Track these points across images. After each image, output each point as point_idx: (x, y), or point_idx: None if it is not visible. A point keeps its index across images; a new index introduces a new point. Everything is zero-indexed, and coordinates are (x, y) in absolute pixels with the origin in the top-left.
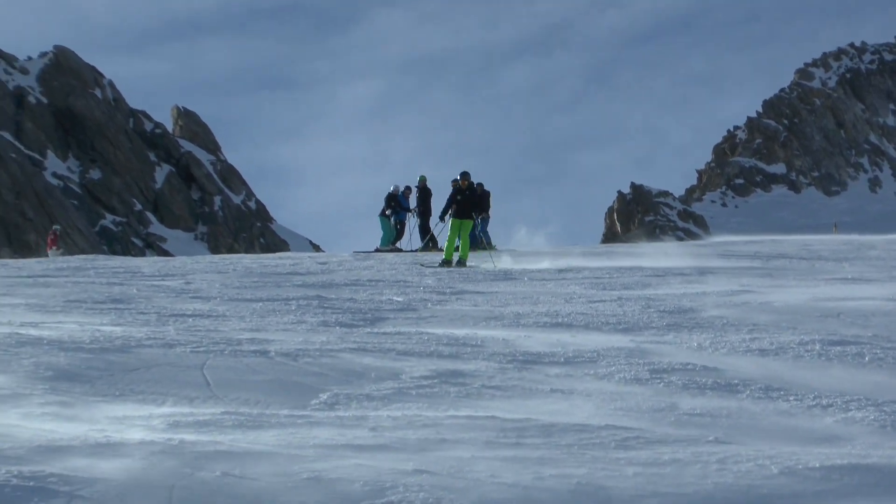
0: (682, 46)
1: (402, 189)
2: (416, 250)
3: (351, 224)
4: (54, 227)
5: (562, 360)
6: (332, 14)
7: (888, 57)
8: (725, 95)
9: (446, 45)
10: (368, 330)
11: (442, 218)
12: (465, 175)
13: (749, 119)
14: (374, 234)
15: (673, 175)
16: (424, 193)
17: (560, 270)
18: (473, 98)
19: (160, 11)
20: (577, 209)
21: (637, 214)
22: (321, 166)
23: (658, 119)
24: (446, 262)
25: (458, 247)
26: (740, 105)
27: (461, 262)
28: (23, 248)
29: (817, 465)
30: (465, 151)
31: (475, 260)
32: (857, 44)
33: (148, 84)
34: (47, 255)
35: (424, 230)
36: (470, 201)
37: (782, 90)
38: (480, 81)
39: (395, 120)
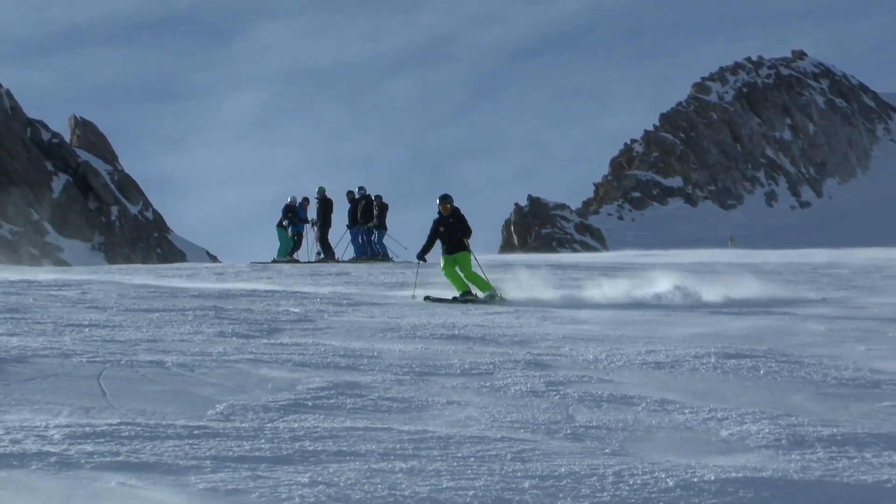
0: (566, 61)
1: (299, 200)
2: (312, 261)
3: (245, 234)
4: None
5: (458, 371)
6: (215, 27)
7: (785, 71)
8: (618, 109)
9: (330, 58)
10: (265, 341)
11: (421, 256)
12: (445, 199)
13: (646, 132)
14: (271, 244)
15: (564, 188)
16: (324, 204)
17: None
18: (357, 110)
19: (43, 21)
20: (473, 219)
21: (534, 227)
22: (208, 177)
23: (544, 132)
24: (465, 293)
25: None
26: (636, 118)
27: (492, 297)
28: None
29: (713, 478)
30: (350, 163)
31: (375, 269)
32: (755, 58)
33: (35, 93)
34: None
35: (323, 241)
36: (454, 229)
37: (679, 104)
38: (364, 94)
39: (279, 131)
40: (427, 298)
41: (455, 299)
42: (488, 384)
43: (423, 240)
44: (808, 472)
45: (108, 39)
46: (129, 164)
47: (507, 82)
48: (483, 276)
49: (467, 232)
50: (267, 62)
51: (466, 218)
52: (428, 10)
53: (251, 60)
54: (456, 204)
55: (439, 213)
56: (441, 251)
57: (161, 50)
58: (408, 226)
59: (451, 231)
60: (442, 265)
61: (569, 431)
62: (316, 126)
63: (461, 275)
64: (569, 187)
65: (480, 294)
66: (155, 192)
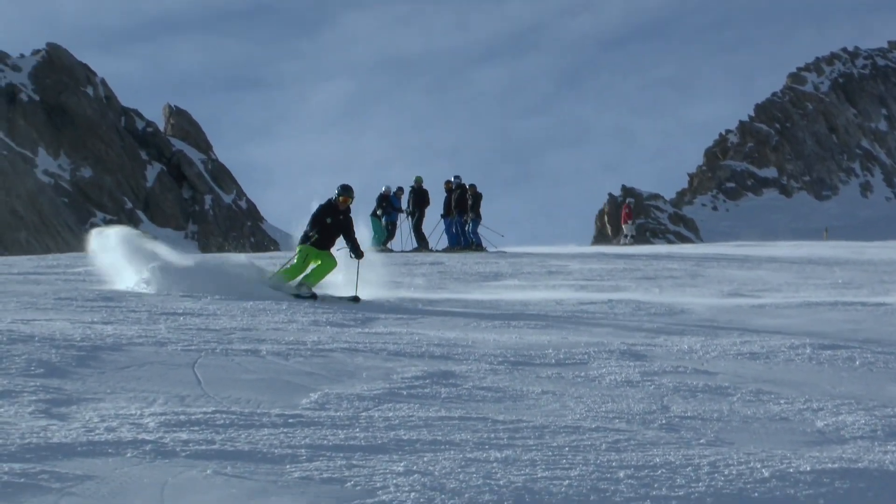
0: (655, 51)
1: (393, 190)
2: (407, 251)
3: None
4: (628, 200)
5: (553, 361)
6: (302, 16)
7: (881, 62)
8: (710, 99)
9: (417, 48)
10: (359, 330)
11: (303, 241)
12: (348, 192)
13: (741, 123)
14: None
15: (656, 178)
16: (420, 194)
17: (550, 272)
18: (445, 100)
19: (133, 10)
20: (557, 211)
21: (631, 218)
22: (297, 166)
23: (633, 122)
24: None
25: None
26: (730, 109)
27: (299, 293)
28: (13, 245)
29: (808, 469)
30: (438, 152)
31: (471, 258)
32: (851, 49)
33: (128, 82)
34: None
35: (418, 231)
36: (342, 228)
37: (774, 94)
38: (452, 83)
39: (366, 120)
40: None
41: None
42: (583, 374)
43: (502, 227)
44: None
45: (196, 29)
46: (221, 153)
47: (595, 72)
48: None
49: (352, 239)
50: (354, 51)
51: (481, 200)
52: (516, 0)
53: (338, 50)
54: (543, 193)
55: (334, 202)
56: (303, 240)
57: (249, 39)
58: (496, 215)
59: (335, 227)
60: (298, 251)
61: (664, 422)
62: (403, 115)
63: (309, 270)
64: (661, 178)
65: (303, 288)
66: (245, 181)
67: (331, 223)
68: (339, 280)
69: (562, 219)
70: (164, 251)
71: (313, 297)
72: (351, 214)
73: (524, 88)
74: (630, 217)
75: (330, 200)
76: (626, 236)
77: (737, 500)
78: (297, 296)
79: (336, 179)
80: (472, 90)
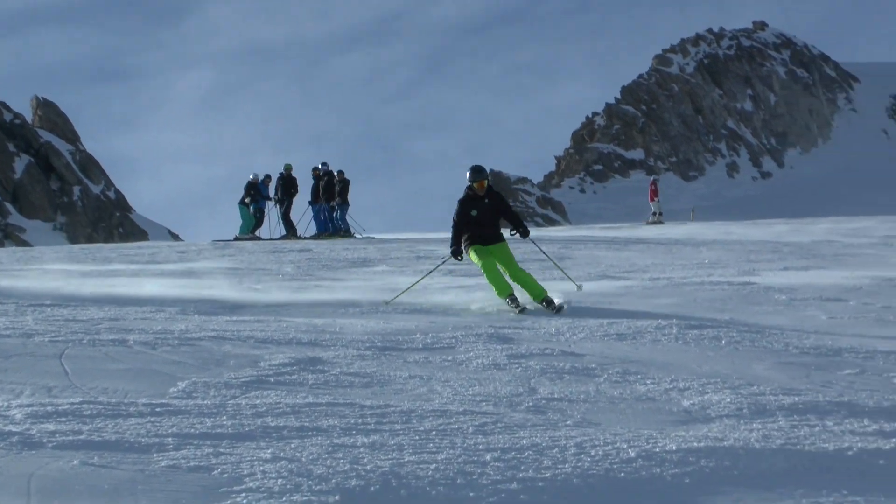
0: (517, 36)
1: (261, 178)
2: (276, 238)
3: (203, 211)
4: (653, 177)
5: (420, 346)
6: (164, 6)
7: (746, 42)
8: (576, 82)
9: (280, 36)
10: (227, 318)
11: (456, 254)
12: (481, 174)
13: (607, 105)
14: (231, 221)
15: (523, 162)
16: (288, 182)
17: (418, 257)
18: (309, 87)
19: None
20: (424, 197)
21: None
22: (164, 155)
23: (497, 107)
24: (511, 299)
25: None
26: (597, 92)
27: (549, 303)
28: None
29: (674, 448)
30: (303, 139)
31: (340, 244)
32: (716, 30)
33: None
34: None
35: (286, 218)
36: (491, 212)
37: (640, 76)
38: (315, 71)
39: (230, 109)
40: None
41: (512, 305)
42: (450, 358)
43: (369, 213)
44: (769, 440)
45: (60, 20)
46: (89, 144)
47: (457, 58)
48: (532, 278)
49: (514, 216)
50: (216, 41)
51: (349, 187)
52: None
53: (200, 39)
54: (410, 179)
55: (471, 190)
56: (465, 242)
57: (112, 30)
58: (362, 200)
59: (486, 215)
60: (478, 261)
61: (531, 404)
62: (268, 103)
63: (504, 273)
64: (529, 161)
65: (531, 303)
66: (113, 172)
67: (478, 214)
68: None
69: (430, 204)
70: None
71: (561, 308)
72: (498, 192)
73: (388, 75)
74: (656, 195)
75: (466, 192)
76: (654, 214)
77: (603, 480)
78: (555, 308)
79: (202, 168)
80: (336, 77)
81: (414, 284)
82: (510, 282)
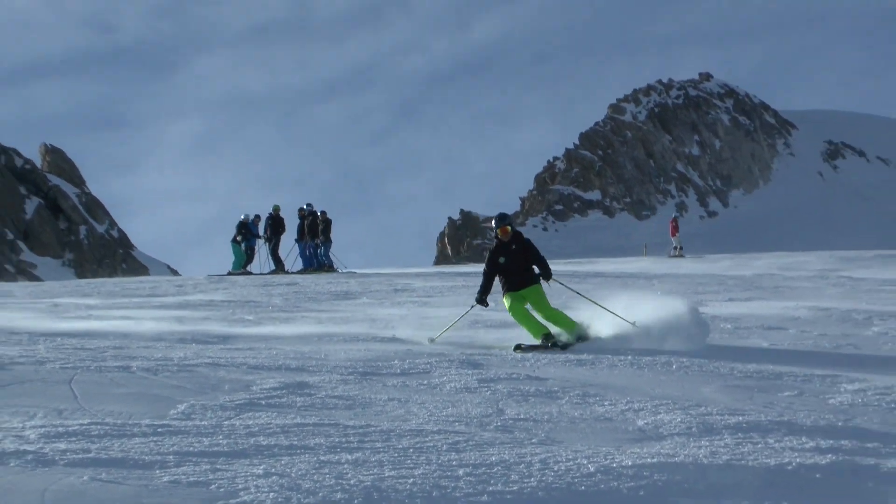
0: (482, 85)
1: (252, 217)
2: (265, 273)
3: (197, 248)
4: (675, 214)
5: (398, 371)
6: (156, 60)
7: (693, 92)
8: (539, 129)
9: (262, 87)
10: (221, 346)
11: (482, 300)
12: (504, 220)
13: (567, 150)
14: (224, 257)
15: (492, 203)
16: (276, 221)
17: (395, 290)
18: (290, 133)
19: (2, 57)
20: (399, 235)
21: (466, 238)
22: (158, 197)
23: (466, 151)
24: (546, 337)
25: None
26: (559, 138)
27: (582, 337)
28: None
29: (630, 464)
30: (285, 182)
31: (322, 279)
32: (665, 80)
33: (5, 123)
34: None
35: (275, 255)
36: (518, 257)
37: (597, 123)
38: (296, 119)
39: (219, 154)
40: (518, 348)
41: (546, 342)
42: (426, 382)
43: (350, 250)
44: (716, 456)
45: (62, 73)
46: (94, 187)
47: (427, 105)
48: (565, 316)
49: (539, 259)
50: (205, 91)
51: (331, 226)
52: (353, 41)
53: (191, 90)
54: (386, 217)
55: (496, 238)
56: (502, 289)
57: (110, 82)
58: (343, 238)
59: (514, 261)
60: (508, 306)
61: (499, 424)
62: (254, 148)
63: (537, 315)
64: (496, 202)
65: (565, 336)
66: (116, 212)
67: (506, 261)
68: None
69: (404, 241)
70: None
71: (586, 338)
72: (526, 238)
73: (363, 121)
74: (677, 230)
75: (494, 241)
76: (675, 248)
77: (566, 493)
78: (580, 339)
79: (195, 208)
80: (316, 124)
81: (449, 328)
82: (544, 321)
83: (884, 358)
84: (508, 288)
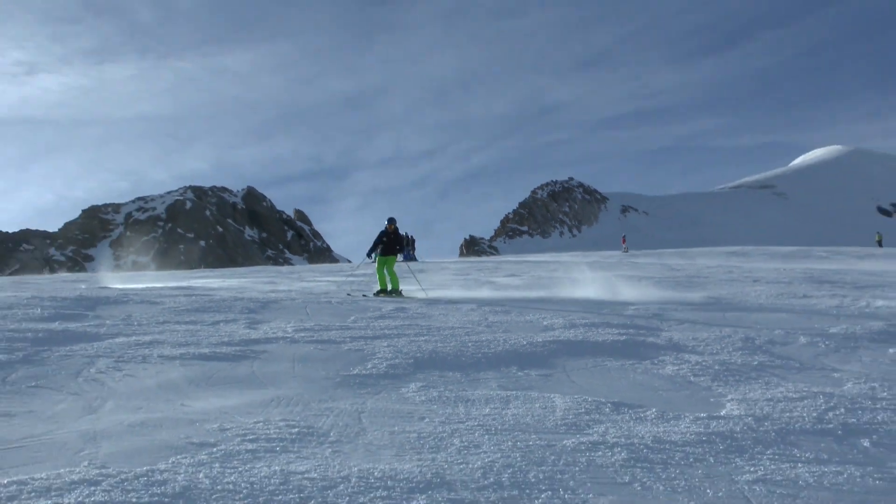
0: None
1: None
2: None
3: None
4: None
5: (422, 301)
6: (360, 128)
7: (559, 189)
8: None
9: (424, 147)
10: (365, 294)
11: (369, 255)
12: (392, 222)
13: (521, 202)
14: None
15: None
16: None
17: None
18: None
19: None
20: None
21: (473, 248)
22: (349, 225)
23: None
24: (381, 291)
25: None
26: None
27: (396, 292)
28: None
29: (541, 340)
30: None
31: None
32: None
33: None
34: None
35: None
36: (392, 242)
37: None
38: None
39: (392, 199)
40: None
41: (377, 294)
42: (453, 307)
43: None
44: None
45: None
46: (316, 224)
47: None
48: (396, 278)
49: (401, 246)
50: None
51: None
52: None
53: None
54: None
55: (386, 229)
56: (379, 252)
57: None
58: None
59: (389, 242)
60: (376, 260)
61: (486, 324)
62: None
63: (386, 274)
64: (482, 228)
65: (390, 288)
66: (323, 233)
67: (386, 241)
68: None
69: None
70: None
71: (400, 293)
72: (400, 234)
73: None
74: (624, 241)
75: (384, 229)
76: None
77: (523, 354)
78: (390, 295)
79: (368, 231)
80: None
81: (358, 267)
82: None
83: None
84: (382, 254)
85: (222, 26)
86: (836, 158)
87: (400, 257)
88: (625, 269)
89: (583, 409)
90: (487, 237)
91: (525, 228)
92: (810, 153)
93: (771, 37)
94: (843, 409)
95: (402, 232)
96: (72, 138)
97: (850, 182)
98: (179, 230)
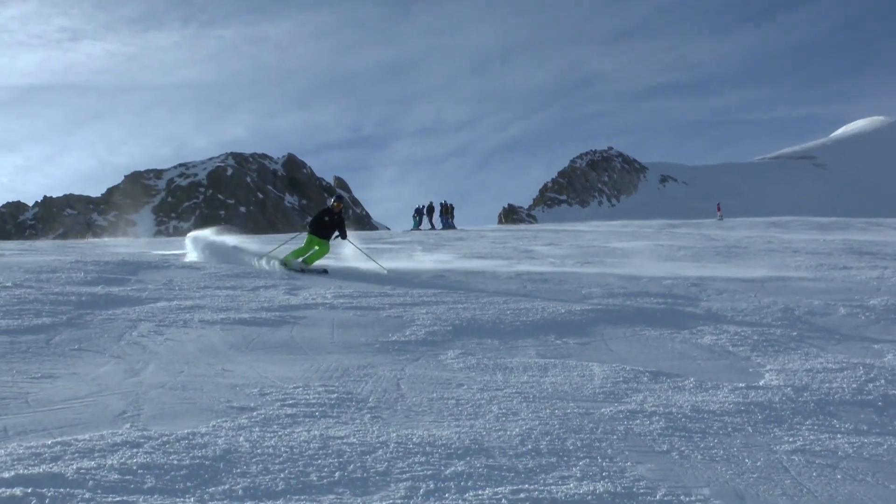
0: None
1: (426, 205)
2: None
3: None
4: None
5: (428, 273)
6: (395, 99)
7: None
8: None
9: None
10: (408, 260)
11: (304, 228)
12: (341, 200)
13: (560, 171)
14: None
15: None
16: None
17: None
18: None
19: None
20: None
21: (512, 217)
22: (387, 193)
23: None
24: (294, 263)
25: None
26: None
27: (305, 263)
28: None
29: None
30: None
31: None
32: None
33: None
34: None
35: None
36: (336, 224)
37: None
38: None
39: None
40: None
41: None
42: (484, 280)
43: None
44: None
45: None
46: (356, 191)
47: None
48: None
49: (342, 229)
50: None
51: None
52: None
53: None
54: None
55: (331, 207)
56: (312, 230)
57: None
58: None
59: (330, 223)
60: (308, 238)
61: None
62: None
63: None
64: (523, 196)
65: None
66: (364, 201)
67: (328, 220)
68: (349, 254)
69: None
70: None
71: (325, 271)
72: (342, 217)
73: None
74: (719, 209)
75: (329, 207)
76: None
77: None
78: (299, 270)
79: (408, 199)
80: None
81: (278, 247)
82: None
83: None
84: (315, 233)
85: None
86: (878, 129)
87: (438, 224)
88: (664, 239)
89: (621, 378)
90: (526, 206)
91: (564, 197)
92: (851, 124)
93: (811, 7)
94: (883, 381)
95: (441, 200)
96: (115, 104)
97: (892, 153)
98: (220, 196)
